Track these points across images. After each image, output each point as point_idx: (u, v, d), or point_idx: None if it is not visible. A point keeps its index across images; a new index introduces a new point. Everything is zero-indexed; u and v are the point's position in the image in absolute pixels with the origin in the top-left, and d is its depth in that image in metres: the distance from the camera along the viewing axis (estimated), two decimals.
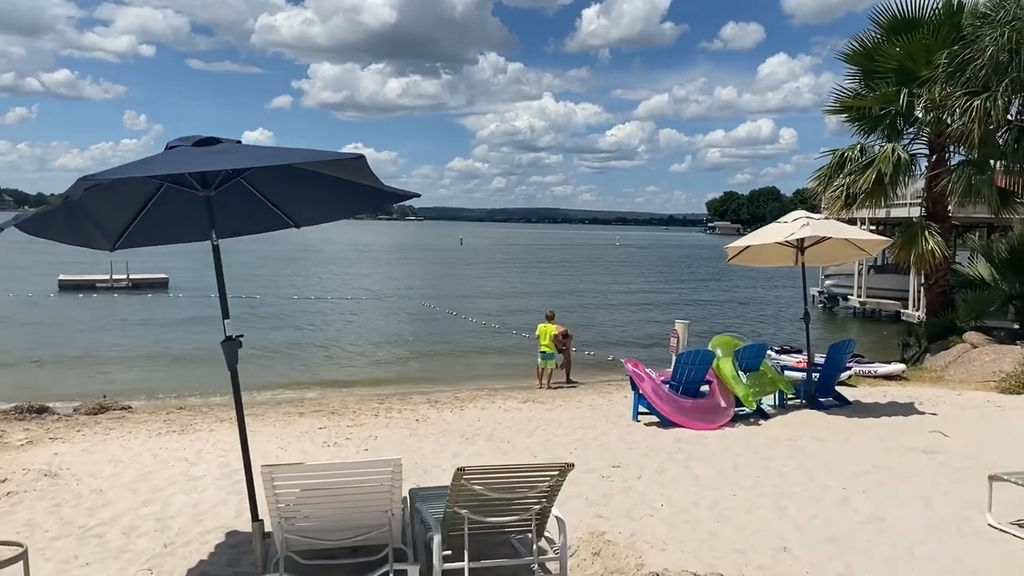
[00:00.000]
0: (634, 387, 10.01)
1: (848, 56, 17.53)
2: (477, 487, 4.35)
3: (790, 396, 10.94)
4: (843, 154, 17.19)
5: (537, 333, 14.91)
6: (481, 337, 23.05)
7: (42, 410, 10.83)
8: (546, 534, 4.96)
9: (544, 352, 14.63)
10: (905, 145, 16.97)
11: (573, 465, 4.54)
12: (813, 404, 10.80)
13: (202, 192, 4.74)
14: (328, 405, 11.38)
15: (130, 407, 11.58)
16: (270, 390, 14.35)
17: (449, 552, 4.58)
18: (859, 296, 28.98)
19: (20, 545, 4.21)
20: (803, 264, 11.42)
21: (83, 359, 18.02)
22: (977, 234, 23.80)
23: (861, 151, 16.96)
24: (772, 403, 10.76)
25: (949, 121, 16.25)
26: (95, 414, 10.90)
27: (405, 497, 5.45)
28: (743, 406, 10.14)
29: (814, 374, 11.11)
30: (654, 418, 9.78)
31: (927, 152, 17.51)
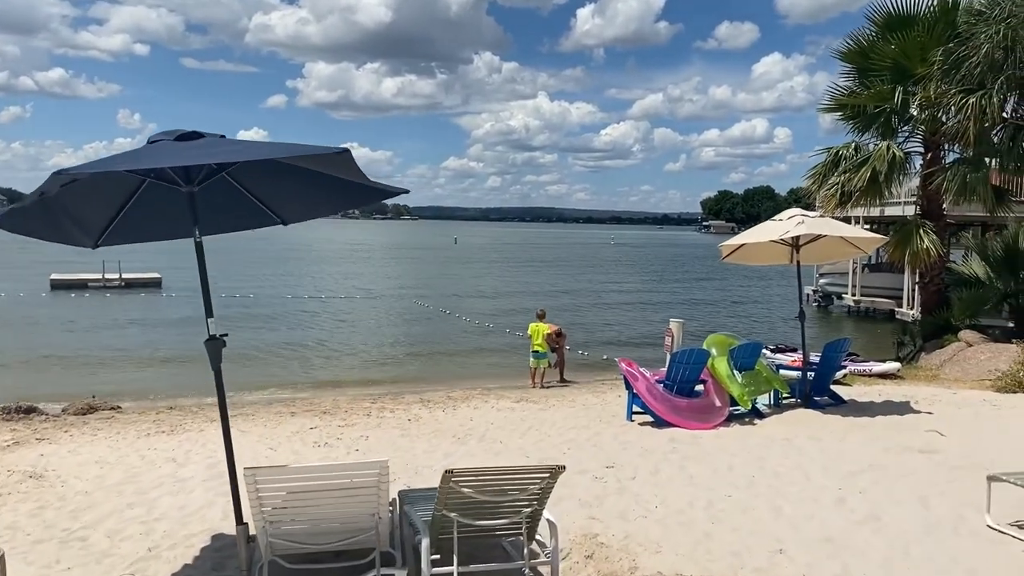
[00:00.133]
0: (628, 386, 9.93)
1: (843, 54, 17.46)
2: (466, 490, 4.25)
3: (785, 395, 10.86)
4: (838, 152, 17.14)
5: (529, 332, 14.81)
6: (475, 336, 22.95)
7: (30, 410, 10.68)
8: (538, 537, 4.86)
9: (536, 351, 14.53)
10: (900, 143, 16.92)
11: (564, 467, 4.44)
12: (808, 403, 10.72)
13: (185, 188, 4.63)
14: (320, 405, 11.26)
15: (120, 407, 11.44)
16: (262, 390, 14.23)
17: (438, 556, 4.48)
18: (853, 294, 28.95)
19: None
20: (798, 262, 11.34)
21: (74, 359, 17.87)
22: (971, 232, 23.78)
23: (856, 149, 16.90)
24: (767, 402, 10.69)
25: (944, 119, 16.18)
26: (84, 414, 10.78)
27: (394, 499, 5.36)
28: (738, 405, 10.06)
29: (809, 373, 11.04)
30: (648, 418, 9.69)
31: (922, 150, 17.47)
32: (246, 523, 4.60)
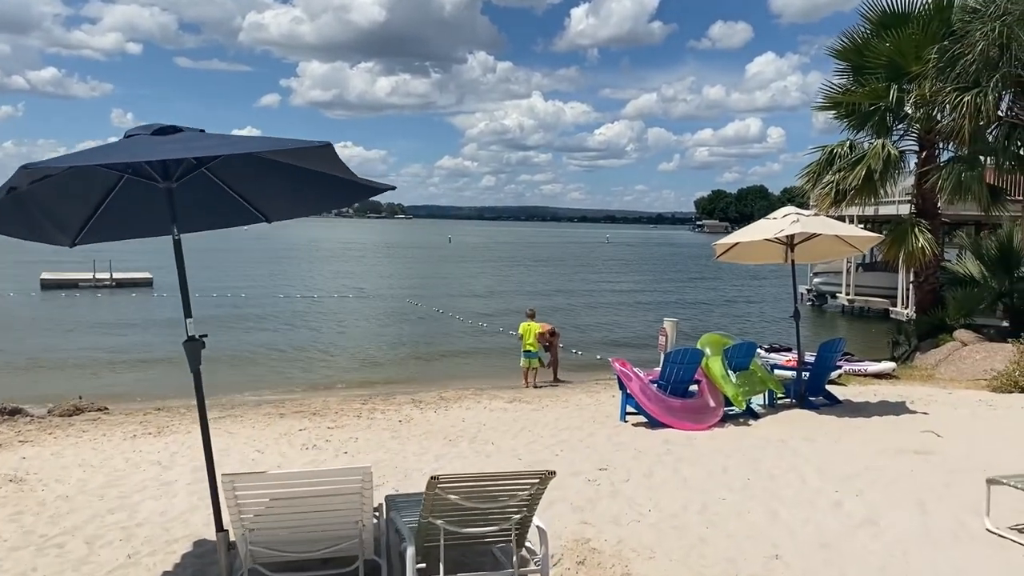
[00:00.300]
0: (622, 387, 9.80)
1: (838, 52, 17.39)
2: (452, 496, 4.10)
3: (780, 395, 10.76)
4: (832, 150, 17.07)
5: (520, 332, 14.68)
6: (468, 336, 22.82)
7: (15, 412, 10.50)
8: (528, 544, 4.73)
9: (528, 351, 14.41)
10: (895, 141, 16.86)
11: (554, 473, 4.30)
12: (803, 403, 10.62)
13: (162, 184, 4.48)
14: (310, 406, 11.10)
15: (107, 409, 11.24)
16: (252, 390, 14.07)
17: (424, 565, 4.33)
18: (847, 294, 28.90)
19: None
20: (792, 261, 11.23)
21: (62, 359, 17.68)
22: (965, 231, 23.73)
23: (850, 147, 16.84)
24: (762, 403, 10.58)
25: (939, 117, 16.11)
26: (69, 416, 10.59)
27: (381, 504, 5.22)
28: (732, 406, 9.95)
29: (804, 373, 10.93)
30: (642, 418, 9.57)
31: (917, 149, 17.40)
32: (226, 530, 4.46)
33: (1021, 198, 19.19)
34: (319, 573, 4.59)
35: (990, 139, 16.09)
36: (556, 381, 14.72)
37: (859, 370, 13.59)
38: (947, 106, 15.25)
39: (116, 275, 32.54)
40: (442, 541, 4.22)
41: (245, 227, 5.76)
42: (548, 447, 8.47)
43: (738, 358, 10.37)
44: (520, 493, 4.32)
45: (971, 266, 18.00)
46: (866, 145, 16.61)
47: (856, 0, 17.20)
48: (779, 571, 5.10)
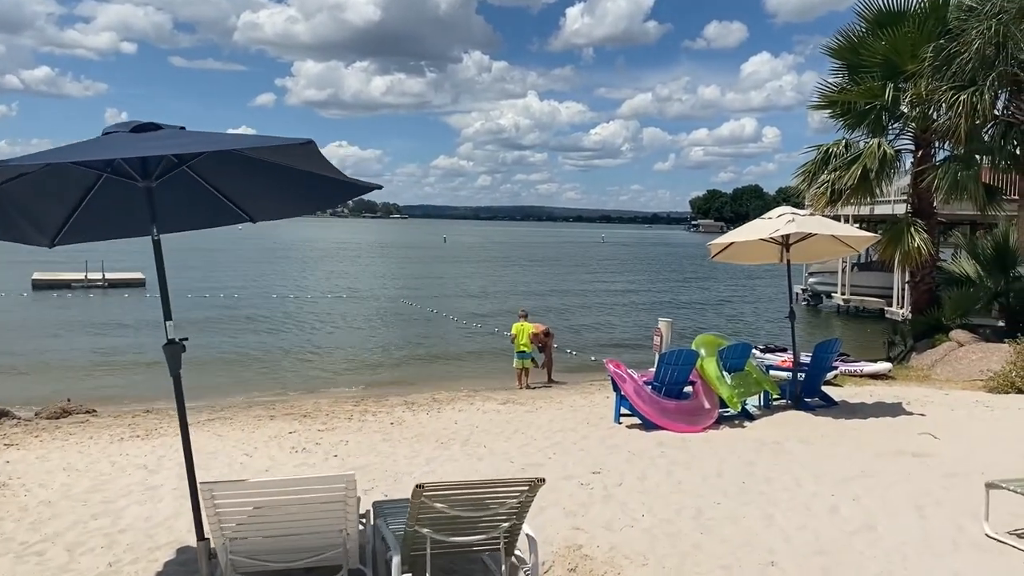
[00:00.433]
0: (616, 388, 9.69)
1: (833, 50, 17.31)
2: (439, 505, 3.98)
3: (775, 396, 10.66)
4: (828, 150, 16.97)
5: (513, 332, 14.56)
6: (462, 337, 22.69)
7: (1, 414, 10.35)
8: (517, 551, 4.61)
9: (522, 352, 14.30)
10: (891, 140, 16.77)
11: (543, 481, 4.18)
12: (799, 405, 10.51)
13: (142, 183, 4.35)
14: (301, 408, 10.97)
15: (95, 411, 11.11)
16: (242, 392, 13.93)
17: (410, 574, 4.21)
18: (843, 294, 28.83)
19: None
20: (788, 261, 11.13)
21: (52, 361, 17.51)
22: (961, 231, 23.66)
23: (846, 147, 16.75)
24: (757, 404, 10.48)
25: (935, 116, 16.02)
26: (57, 418, 10.47)
27: (368, 511, 5.10)
28: (727, 407, 9.84)
29: (800, 374, 10.83)
30: (636, 420, 9.46)
31: (912, 148, 17.32)
32: (208, 538, 4.34)
33: (1017, 197, 19.08)
34: None
35: (986, 138, 16.02)
36: (550, 382, 14.62)
37: (855, 371, 13.50)
38: (943, 105, 15.17)
39: (108, 275, 32.32)
40: (428, 550, 4.10)
41: (239, 226, 5.64)
42: (541, 450, 8.35)
43: (733, 359, 10.27)
44: (509, 501, 4.20)
45: (967, 266, 17.91)
46: (862, 144, 16.52)
47: None
48: None
